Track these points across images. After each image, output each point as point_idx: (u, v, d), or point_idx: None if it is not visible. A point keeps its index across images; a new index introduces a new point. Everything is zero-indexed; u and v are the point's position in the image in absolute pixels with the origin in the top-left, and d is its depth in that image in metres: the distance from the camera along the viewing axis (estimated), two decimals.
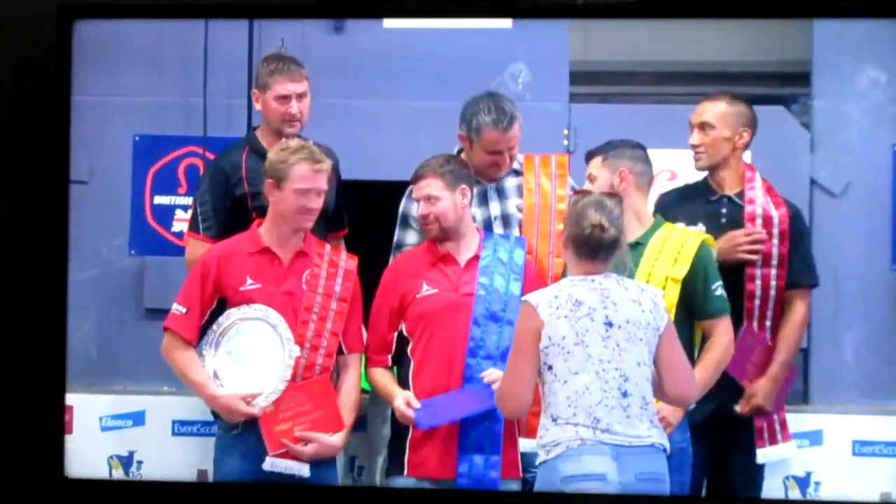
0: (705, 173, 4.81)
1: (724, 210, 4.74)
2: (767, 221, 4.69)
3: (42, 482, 4.68)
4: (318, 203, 4.43)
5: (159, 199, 5.40)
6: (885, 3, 4.56)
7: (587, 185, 4.57)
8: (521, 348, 4.05)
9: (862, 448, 4.90)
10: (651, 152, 4.67)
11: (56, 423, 4.69)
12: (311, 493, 4.43)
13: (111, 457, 4.99)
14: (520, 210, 4.74)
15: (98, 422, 5.02)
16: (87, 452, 4.89)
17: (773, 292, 4.68)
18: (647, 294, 4.08)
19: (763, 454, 4.71)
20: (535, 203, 4.73)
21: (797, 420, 4.91)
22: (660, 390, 4.09)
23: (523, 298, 4.12)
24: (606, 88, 5.78)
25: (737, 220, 4.71)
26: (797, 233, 4.72)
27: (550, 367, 4.01)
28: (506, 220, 4.75)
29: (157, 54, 5.36)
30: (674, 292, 4.37)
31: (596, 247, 4.05)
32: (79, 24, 4.57)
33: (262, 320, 4.42)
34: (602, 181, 4.51)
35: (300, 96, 4.69)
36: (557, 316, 4.00)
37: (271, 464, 4.39)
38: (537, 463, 4.11)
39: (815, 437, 4.93)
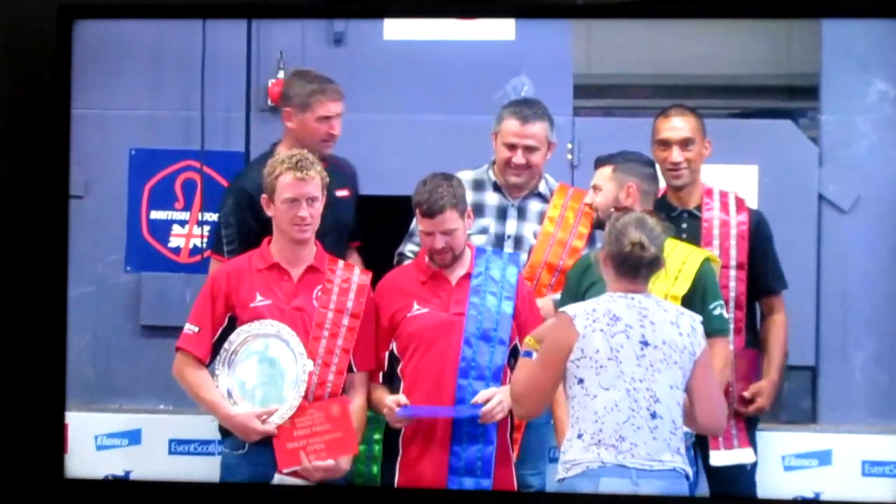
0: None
1: (684, 225, 4.71)
2: (725, 228, 4.66)
3: (42, 482, 4.68)
4: (309, 212, 4.39)
5: (156, 214, 5.35)
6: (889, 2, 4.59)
7: (591, 195, 4.51)
8: (548, 359, 4.02)
9: (872, 468, 4.86)
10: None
11: (56, 441, 4.70)
12: (310, 493, 4.40)
13: (107, 476, 4.91)
14: (535, 236, 4.71)
15: (94, 440, 4.97)
16: (83, 471, 4.82)
17: (732, 293, 4.64)
18: (685, 318, 4.04)
19: (716, 456, 4.64)
20: (552, 233, 4.70)
21: (805, 440, 4.89)
22: (689, 418, 4.05)
23: (560, 309, 4.08)
24: (611, 101, 5.73)
25: (695, 233, 4.68)
26: (761, 239, 4.70)
27: (581, 381, 3.98)
28: (518, 241, 4.73)
29: (156, 63, 5.31)
30: None
31: (636, 265, 4.01)
32: (79, 24, 4.58)
33: (274, 336, 4.40)
34: (607, 193, 4.50)
35: (339, 116, 4.72)
36: (593, 329, 3.97)
37: (280, 481, 4.36)
38: (556, 480, 4.09)
39: (823, 457, 4.90)
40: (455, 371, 4.39)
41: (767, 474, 4.76)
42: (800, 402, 5.16)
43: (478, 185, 4.74)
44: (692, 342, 4.01)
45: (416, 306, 4.46)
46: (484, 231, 4.70)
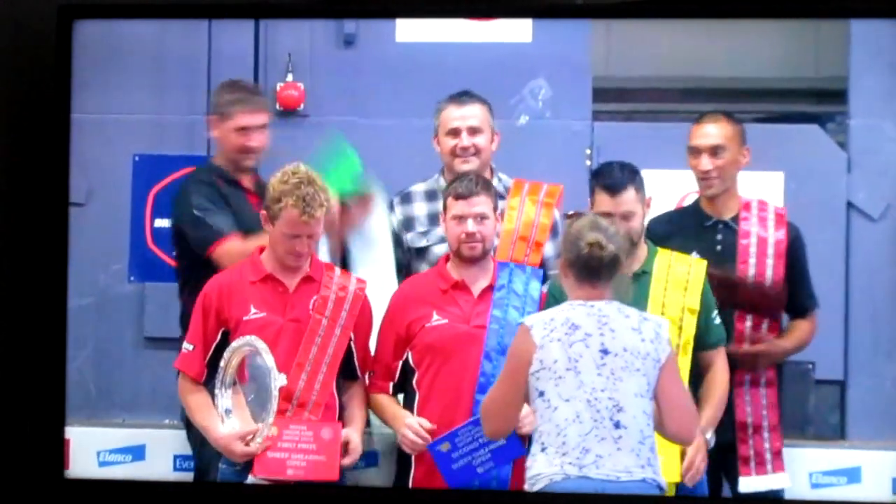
0: (695, 196, 4.72)
1: (719, 237, 4.64)
2: (762, 244, 4.58)
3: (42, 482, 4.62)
4: (308, 244, 4.33)
5: (160, 223, 5.30)
6: None
7: (621, 223, 4.32)
8: (508, 371, 4.02)
9: None
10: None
11: (56, 456, 4.62)
12: (310, 493, 4.33)
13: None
14: (497, 235, 4.59)
15: (96, 456, 4.92)
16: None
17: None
18: (649, 324, 3.96)
19: (746, 483, 4.56)
20: (513, 229, 4.60)
21: (833, 456, 4.83)
22: (660, 426, 3.97)
23: (520, 320, 4.05)
24: (631, 106, 5.72)
25: (732, 246, 4.60)
26: (797, 258, 4.62)
27: (542, 394, 3.92)
28: None
29: (160, 65, 5.30)
30: (692, 324, 4.31)
31: (596, 267, 3.95)
32: (79, 24, 4.52)
33: (250, 350, 4.28)
34: (639, 216, 4.39)
35: (261, 128, 4.67)
36: (551, 339, 3.92)
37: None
38: None
39: (852, 475, 4.82)
40: (473, 386, 4.32)
41: (794, 492, 4.67)
42: (828, 417, 5.11)
43: (431, 196, 4.68)
44: (656, 348, 3.94)
45: (435, 316, 4.39)
46: (444, 240, 4.56)
